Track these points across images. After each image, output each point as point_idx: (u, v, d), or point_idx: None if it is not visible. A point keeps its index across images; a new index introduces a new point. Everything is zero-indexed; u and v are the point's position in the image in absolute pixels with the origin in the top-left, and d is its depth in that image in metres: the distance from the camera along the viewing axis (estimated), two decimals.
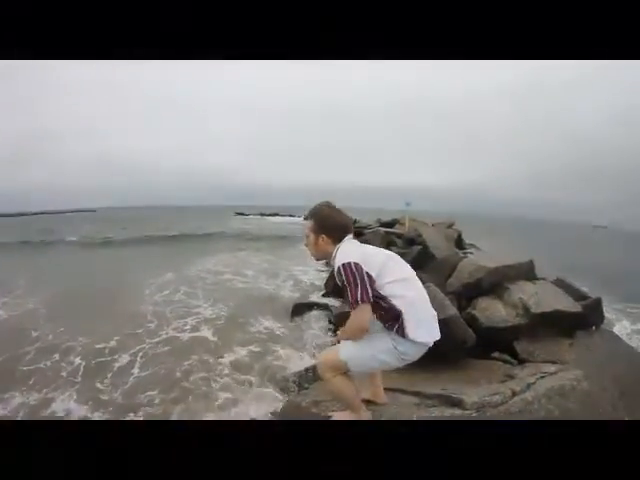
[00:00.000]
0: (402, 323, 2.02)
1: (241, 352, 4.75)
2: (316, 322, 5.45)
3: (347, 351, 2.13)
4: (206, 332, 5.49)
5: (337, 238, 2.17)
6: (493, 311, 4.30)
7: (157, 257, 14.50)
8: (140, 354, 4.80)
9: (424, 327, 2.09)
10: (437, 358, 3.65)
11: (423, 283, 3.83)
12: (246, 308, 6.61)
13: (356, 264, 1.98)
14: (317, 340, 4.99)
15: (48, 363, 4.62)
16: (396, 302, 2.03)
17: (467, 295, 4.72)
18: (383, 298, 2.04)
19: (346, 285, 1.96)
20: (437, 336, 2.15)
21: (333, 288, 6.64)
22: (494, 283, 4.67)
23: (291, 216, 52.84)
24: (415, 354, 2.14)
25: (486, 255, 6.89)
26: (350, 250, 2.08)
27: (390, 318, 2.05)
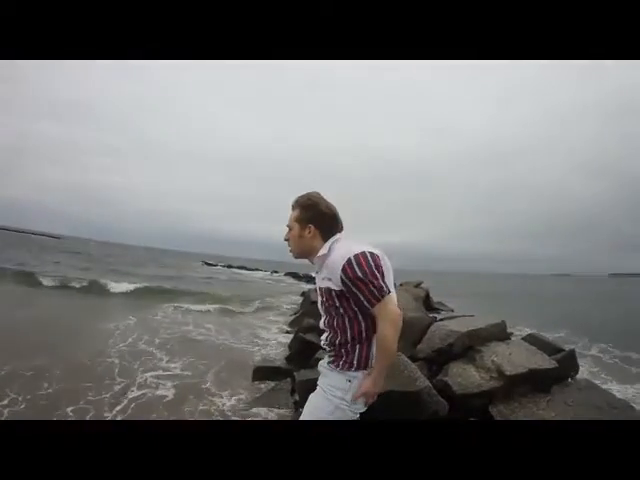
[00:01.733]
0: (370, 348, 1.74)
1: None
2: (280, 392, 4.97)
3: None
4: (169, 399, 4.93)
5: (326, 232, 1.82)
6: (466, 377, 4.14)
7: (117, 303, 13.20)
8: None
9: None
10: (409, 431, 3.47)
11: None
12: (207, 370, 6.15)
13: (372, 253, 1.68)
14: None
15: None
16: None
17: (438, 361, 4.57)
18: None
19: (361, 278, 1.62)
20: None
21: (297, 351, 6.32)
22: (466, 347, 4.56)
23: (257, 270, 53.10)
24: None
25: (456, 316, 6.80)
26: (355, 244, 1.75)
27: (363, 339, 1.75)
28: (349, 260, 1.64)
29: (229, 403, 4.87)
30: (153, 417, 4.33)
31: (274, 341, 8.75)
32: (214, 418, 4.12)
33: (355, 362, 1.76)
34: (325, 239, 1.82)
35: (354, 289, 1.65)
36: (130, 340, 7.59)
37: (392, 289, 1.75)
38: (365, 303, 1.66)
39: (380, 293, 1.63)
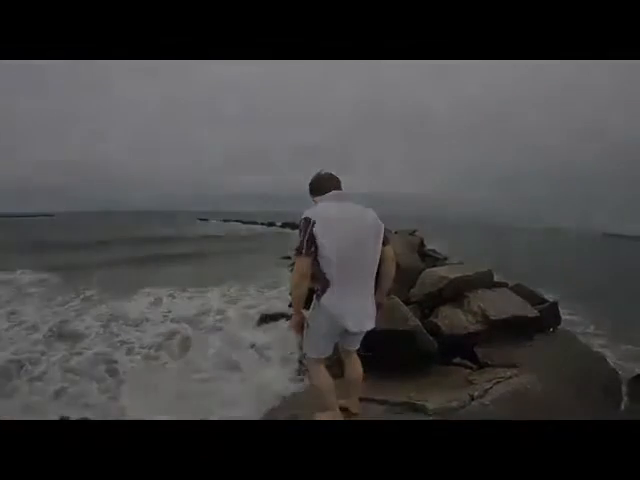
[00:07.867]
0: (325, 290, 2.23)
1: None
2: (287, 337, 5.38)
3: (307, 351, 2.44)
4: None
5: (318, 194, 2.39)
6: (454, 319, 4.48)
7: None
8: None
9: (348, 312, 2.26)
10: (403, 366, 3.84)
11: (387, 295, 3.92)
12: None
13: (307, 219, 2.18)
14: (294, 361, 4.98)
15: None
16: (328, 272, 2.21)
17: (429, 304, 4.90)
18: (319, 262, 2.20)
19: (299, 232, 2.20)
20: (365, 327, 2.35)
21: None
22: (455, 292, 4.85)
23: (254, 223, 50.26)
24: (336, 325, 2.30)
25: (447, 263, 7.04)
26: (314, 208, 2.29)
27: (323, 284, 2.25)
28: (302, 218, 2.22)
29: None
30: None
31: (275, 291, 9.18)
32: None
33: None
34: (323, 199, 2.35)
35: None
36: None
37: (309, 252, 2.17)
38: None
39: (296, 248, 2.18)
